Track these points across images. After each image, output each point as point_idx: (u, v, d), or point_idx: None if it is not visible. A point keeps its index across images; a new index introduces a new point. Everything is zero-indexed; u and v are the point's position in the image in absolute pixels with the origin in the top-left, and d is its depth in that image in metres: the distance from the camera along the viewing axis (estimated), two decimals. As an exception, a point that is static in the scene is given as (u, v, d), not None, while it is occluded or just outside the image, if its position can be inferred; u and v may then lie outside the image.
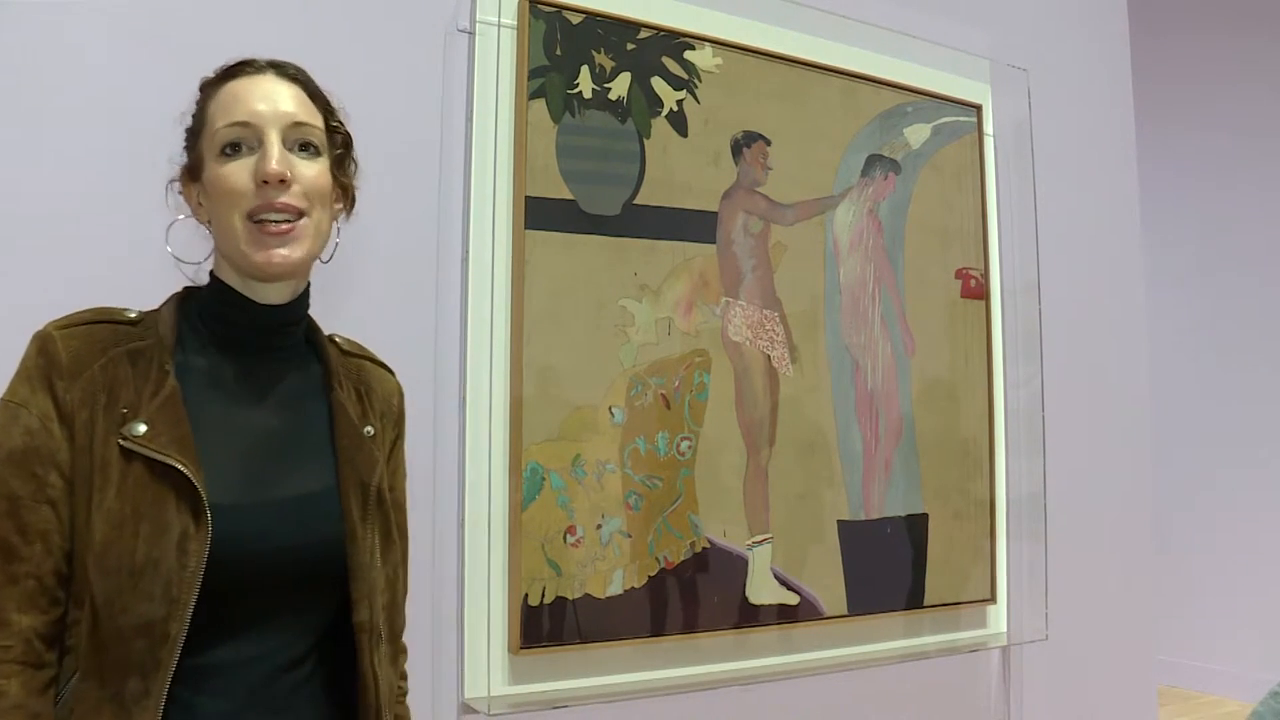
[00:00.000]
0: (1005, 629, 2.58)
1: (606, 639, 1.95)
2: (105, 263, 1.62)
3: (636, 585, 1.99)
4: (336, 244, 1.18)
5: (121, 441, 0.99)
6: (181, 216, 1.14)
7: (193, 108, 1.12)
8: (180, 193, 1.14)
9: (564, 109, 1.99)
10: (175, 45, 1.68)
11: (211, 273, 1.12)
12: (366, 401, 1.20)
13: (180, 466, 0.98)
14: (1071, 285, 2.82)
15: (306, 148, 1.09)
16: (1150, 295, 3.21)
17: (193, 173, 1.11)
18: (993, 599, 2.53)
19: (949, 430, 2.49)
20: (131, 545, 0.96)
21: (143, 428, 0.99)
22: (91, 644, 0.97)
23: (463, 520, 1.86)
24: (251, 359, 1.11)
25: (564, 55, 2.00)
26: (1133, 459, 2.99)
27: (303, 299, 1.15)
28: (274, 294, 1.10)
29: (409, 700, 1.29)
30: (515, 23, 1.96)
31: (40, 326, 1.04)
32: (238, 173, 1.05)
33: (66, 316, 1.05)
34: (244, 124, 1.06)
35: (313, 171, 1.09)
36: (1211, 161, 4.80)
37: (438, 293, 1.89)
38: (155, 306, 1.11)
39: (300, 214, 1.07)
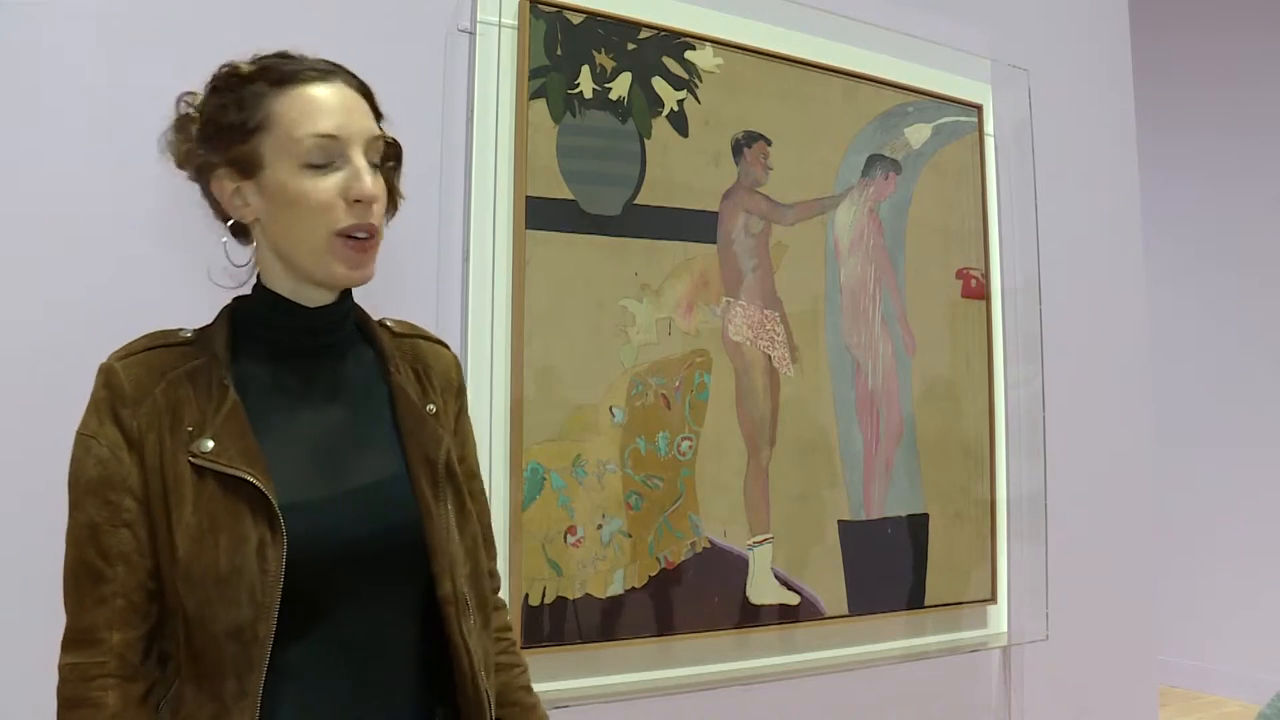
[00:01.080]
0: (1006, 629, 2.58)
1: (607, 639, 1.95)
2: (107, 264, 1.62)
3: (637, 585, 1.99)
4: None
5: (191, 459, 1.02)
6: (226, 234, 1.12)
7: (242, 101, 1.07)
8: (215, 187, 1.10)
9: (565, 109, 1.99)
10: (175, 46, 1.68)
11: (259, 282, 1.12)
12: (426, 380, 1.21)
13: (250, 478, 1.02)
14: (1072, 285, 2.82)
15: (379, 164, 1.11)
16: (1151, 295, 3.21)
17: (243, 169, 1.07)
18: (993, 599, 2.53)
19: (950, 430, 2.49)
20: (214, 557, 1.00)
21: (210, 444, 1.03)
22: (188, 651, 1.02)
23: (463, 520, 1.85)
24: (306, 360, 1.13)
25: (565, 55, 2.00)
26: (1133, 459, 2.99)
27: (346, 296, 1.16)
28: (322, 296, 1.12)
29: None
30: (516, 23, 1.96)
31: (105, 359, 1.07)
32: (326, 190, 1.05)
33: (126, 346, 1.08)
34: (333, 137, 1.05)
35: (381, 187, 1.10)
36: (1212, 161, 4.80)
37: (438, 292, 1.89)
38: (208, 322, 1.12)
39: (376, 232, 1.09)
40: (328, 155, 1.05)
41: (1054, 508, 2.63)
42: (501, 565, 1.87)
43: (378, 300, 1.83)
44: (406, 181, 1.85)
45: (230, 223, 1.11)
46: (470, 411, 1.85)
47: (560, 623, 1.91)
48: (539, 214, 1.94)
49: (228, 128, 1.07)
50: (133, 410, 1.04)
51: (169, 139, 1.12)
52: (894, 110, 2.46)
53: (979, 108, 2.62)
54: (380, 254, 1.81)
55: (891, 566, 2.37)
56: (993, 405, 2.57)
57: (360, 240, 1.07)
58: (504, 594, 1.86)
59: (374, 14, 1.88)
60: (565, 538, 1.92)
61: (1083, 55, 3.01)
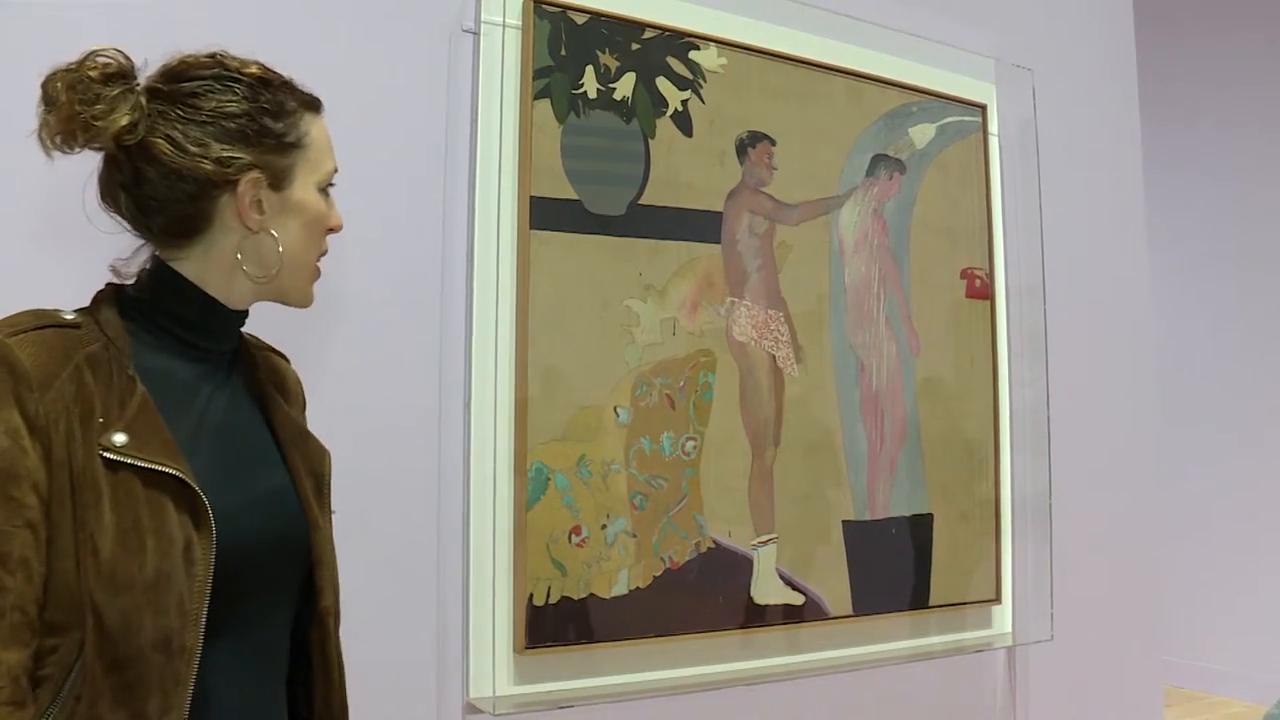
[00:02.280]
0: (1010, 629, 2.57)
1: (612, 639, 1.95)
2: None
3: (642, 585, 1.99)
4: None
5: (104, 454, 0.93)
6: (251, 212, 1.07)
7: (281, 111, 1.08)
8: (248, 185, 1.05)
9: (569, 109, 1.99)
10: (181, 46, 1.68)
11: (175, 273, 1.06)
12: (283, 393, 1.20)
13: (175, 471, 0.95)
14: (1077, 285, 2.81)
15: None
16: (1155, 294, 3.20)
17: (276, 182, 1.07)
18: (998, 599, 2.53)
19: (954, 430, 2.49)
20: (140, 560, 0.92)
21: (123, 437, 0.94)
22: (102, 667, 0.91)
23: (468, 520, 1.86)
24: (205, 360, 1.09)
25: (569, 55, 2.00)
26: (1138, 459, 2.98)
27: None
28: (241, 303, 1.11)
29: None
30: (520, 23, 1.96)
31: None
32: (328, 215, 1.13)
33: (8, 321, 0.97)
34: (335, 171, 1.14)
35: None
36: (1217, 159, 4.79)
37: (443, 293, 1.89)
38: (84, 307, 1.05)
39: None
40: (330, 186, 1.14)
41: (1058, 508, 2.62)
42: (505, 565, 1.88)
43: (383, 301, 1.84)
44: (411, 182, 1.87)
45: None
46: (475, 412, 1.88)
47: (564, 623, 1.91)
48: (543, 214, 1.94)
49: (270, 134, 1.06)
50: (39, 395, 0.92)
51: (177, 103, 1.04)
52: (898, 110, 2.46)
53: (983, 107, 2.62)
54: (385, 254, 1.83)
55: (896, 567, 2.37)
56: (997, 405, 2.57)
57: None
58: (506, 595, 1.87)
59: (378, 14, 1.88)
60: (570, 538, 1.92)
61: (1087, 55, 3.01)
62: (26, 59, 1.59)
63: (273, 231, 1.07)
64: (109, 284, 1.08)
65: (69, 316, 1.01)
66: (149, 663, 0.92)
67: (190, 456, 0.99)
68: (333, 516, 1.19)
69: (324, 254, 1.14)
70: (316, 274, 1.14)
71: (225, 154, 1.03)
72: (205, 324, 1.08)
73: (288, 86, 1.11)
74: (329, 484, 1.18)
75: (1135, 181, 3.08)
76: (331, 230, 1.13)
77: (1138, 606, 2.93)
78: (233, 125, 1.04)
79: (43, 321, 0.98)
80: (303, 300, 1.14)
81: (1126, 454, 2.95)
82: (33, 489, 0.91)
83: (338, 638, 1.13)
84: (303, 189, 1.09)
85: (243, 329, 1.16)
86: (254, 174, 1.05)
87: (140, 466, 0.94)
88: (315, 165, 1.11)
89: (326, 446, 1.19)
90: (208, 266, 1.06)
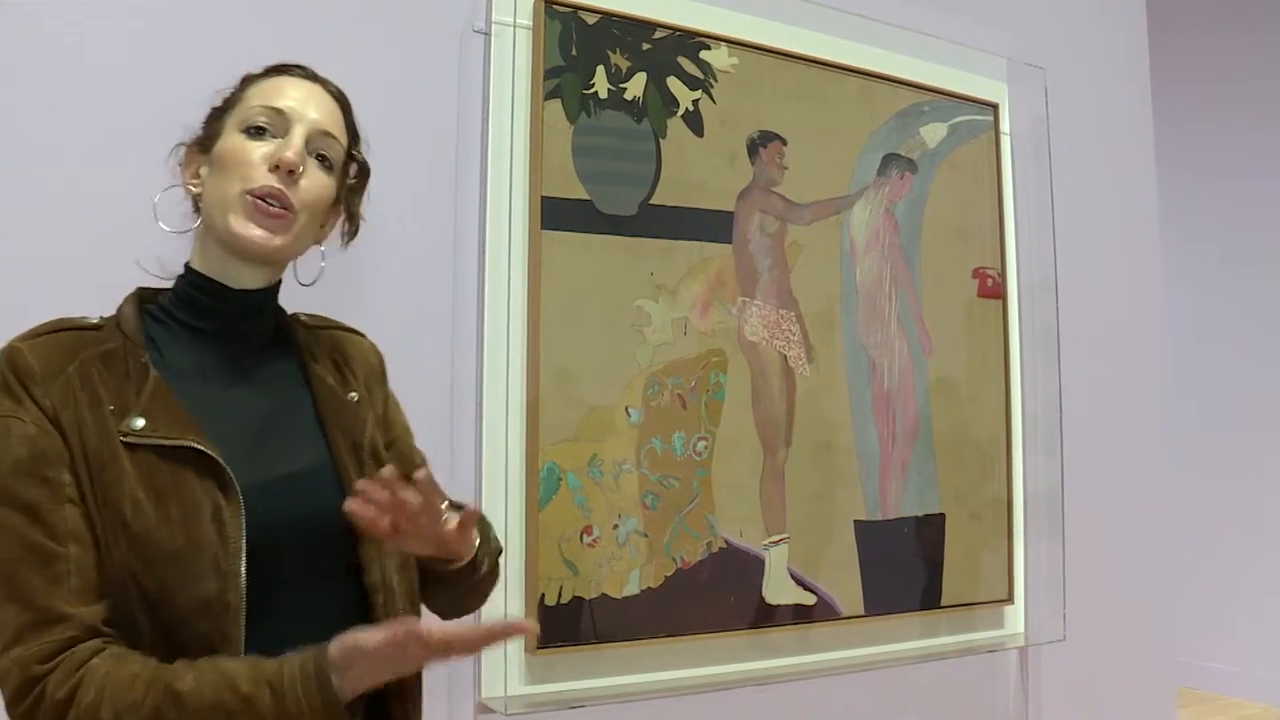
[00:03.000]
0: (1023, 629, 2.57)
1: (623, 639, 1.95)
2: (111, 266, 1.63)
3: (653, 585, 1.99)
4: (322, 267, 1.21)
5: (124, 439, 0.98)
6: (168, 186, 1.15)
7: (227, 91, 1.15)
8: (180, 162, 1.15)
9: (580, 109, 1.99)
10: (190, 46, 1.69)
11: (187, 264, 1.12)
12: (346, 368, 1.22)
13: (194, 444, 0.99)
14: (1089, 284, 2.80)
15: (323, 159, 1.12)
16: (1169, 293, 3.19)
17: (204, 145, 1.13)
18: (1010, 599, 2.52)
19: (966, 430, 2.49)
20: (168, 531, 0.96)
21: (141, 421, 0.99)
22: (158, 632, 0.96)
23: (480, 520, 1.86)
24: (226, 348, 1.11)
25: (580, 55, 2.00)
26: (1151, 458, 2.97)
27: (274, 290, 1.16)
28: (248, 279, 1.11)
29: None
30: (531, 23, 1.96)
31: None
32: (255, 150, 1.08)
33: (29, 330, 1.04)
34: (278, 110, 1.09)
35: (319, 182, 1.11)
36: (1230, 159, 4.77)
37: (454, 293, 1.90)
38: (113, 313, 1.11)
39: (292, 209, 1.08)
40: (269, 125, 1.09)
41: (1071, 507, 2.62)
42: (516, 565, 1.88)
43: (394, 301, 1.84)
44: (422, 182, 1.88)
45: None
46: (487, 412, 1.88)
47: (576, 623, 1.91)
48: (554, 214, 1.95)
49: (209, 113, 1.15)
50: (44, 388, 0.98)
51: None
52: (910, 109, 2.46)
53: (995, 106, 2.61)
54: (396, 254, 1.83)
55: (908, 566, 2.36)
56: (1009, 405, 2.56)
57: (267, 205, 1.06)
58: (518, 595, 1.87)
59: (389, 15, 1.89)
60: (581, 538, 1.92)
61: (1099, 53, 3.00)
62: (49, 59, 1.60)
63: (198, 192, 1.13)
64: (137, 287, 1.13)
65: (93, 320, 1.07)
66: (194, 626, 0.96)
67: (213, 438, 1.02)
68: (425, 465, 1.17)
69: (268, 190, 1.06)
70: (247, 206, 1.06)
71: (181, 148, 1.15)
72: (209, 305, 1.10)
73: (264, 72, 1.15)
74: (370, 454, 1.15)
75: (1148, 180, 3.07)
76: (277, 166, 1.06)
77: (1151, 607, 2.92)
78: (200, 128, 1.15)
79: (59, 326, 1.05)
80: (233, 241, 1.07)
81: (1139, 454, 2.93)
82: (66, 468, 0.97)
83: (388, 613, 1.09)
84: (224, 139, 1.10)
85: (304, 315, 1.23)
86: (183, 149, 1.15)
87: (158, 445, 0.98)
88: (239, 114, 1.10)
89: (365, 418, 1.18)
90: (199, 245, 1.12)
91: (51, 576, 0.93)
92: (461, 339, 1.89)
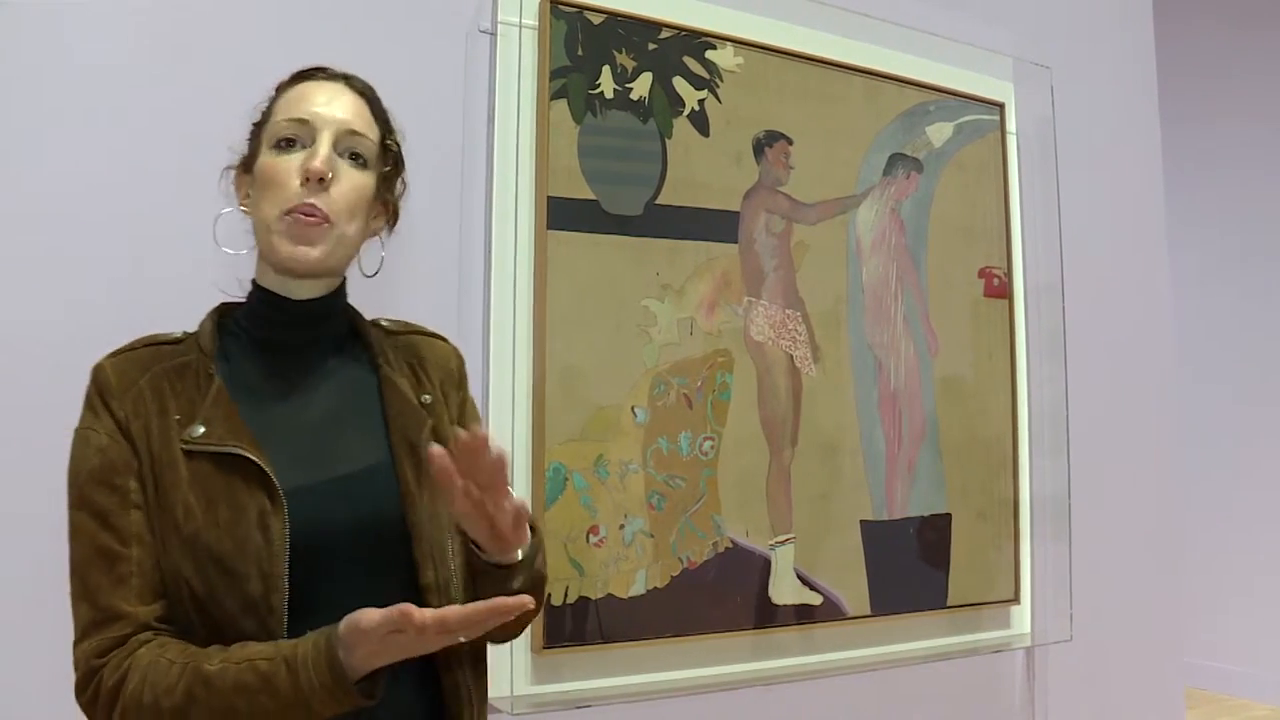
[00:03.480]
0: (1029, 630, 2.56)
1: (629, 639, 1.95)
2: (120, 266, 1.64)
3: (659, 585, 1.99)
4: (382, 257, 1.23)
5: (184, 446, 1.04)
6: (226, 210, 1.18)
7: (262, 105, 1.17)
8: (232, 184, 1.19)
9: (585, 109, 2.00)
10: (202, 50, 1.69)
11: (253, 280, 1.16)
12: (421, 372, 1.23)
13: (242, 451, 1.04)
14: (1096, 284, 2.80)
15: (356, 158, 1.13)
16: (1176, 293, 3.18)
17: (247, 164, 1.15)
18: (1016, 599, 2.52)
19: (972, 430, 2.48)
20: (216, 533, 1.01)
21: (201, 429, 1.05)
22: (207, 630, 1.01)
23: (486, 520, 1.86)
24: (293, 356, 1.15)
25: (585, 56, 2.00)
26: (1158, 458, 2.97)
27: (338, 293, 1.18)
28: (307, 290, 1.14)
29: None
30: (537, 23, 1.96)
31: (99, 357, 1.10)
32: (287, 165, 1.09)
33: (118, 347, 1.11)
34: (301, 121, 1.11)
35: (355, 182, 1.12)
36: (1237, 158, 4.76)
37: (460, 293, 1.90)
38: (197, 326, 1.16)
39: (327, 220, 1.09)
40: (295, 136, 1.11)
41: (1077, 507, 2.61)
42: (524, 565, 1.88)
43: (400, 301, 1.84)
44: (428, 183, 1.87)
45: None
46: (493, 411, 1.88)
47: (582, 623, 1.91)
48: (560, 214, 1.95)
49: (250, 130, 1.17)
50: (119, 400, 1.06)
51: None
52: (916, 109, 2.45)
53: (1001, 106, 2.61)
54: (402, 254, 1.83)
55: (914, 567, 2.36)
56: (1015, 405, 2.56)
57: (303, 218, 1.08)
58: (526, 594, 1.87)
59: (395, 16, 1.89)
60: (587, 538, 1.93)
61: (1106, 52, 2.99)
62: (53, 63, 1.60)
63: (250, 213, 1.15)
64: (221, 302, 1.18)
65: (176, 335, 1.14)
66: (241, 625, 1.00)
67: (270, 444, 1.07)
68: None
69: (302, 206, 1.08)
70: (288, 225, 1.08)
71: (230, 170, 1.19)
72: (272, 317, 1.14)
73: (291, 79, 1.17)
74: (432, 439, 1.13)
75: (1154, 179, 3.06)
76: (308, 177, 1.08)
77: (1158, 607, 2.92)
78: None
79: (142, 342, 1.12)
80: (277, 259, 1.10)
81: (1146, 453, 2.93)
82: (132, 475, 1.04)
83: None
84: (261, 157, 1.12)
85: (385, 320, 1.26)
86: (232, 172, 1.18)
87: (212, 451, 1.04)
88: (271, 128, 1.12)
89: (426, 418, 1.18)
90: (259, 262, 1.15)
91: (116, 577, 1.01)
92: (468, 339, 1.89)
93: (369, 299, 1.79)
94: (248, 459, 1.04)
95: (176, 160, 1.63)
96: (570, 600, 1.89)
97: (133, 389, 1.07)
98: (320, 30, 1.81)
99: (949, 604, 2.40)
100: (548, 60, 1.95)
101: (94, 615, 1.01)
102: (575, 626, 1.90)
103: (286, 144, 1.10)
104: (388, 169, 1.18)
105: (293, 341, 1.15)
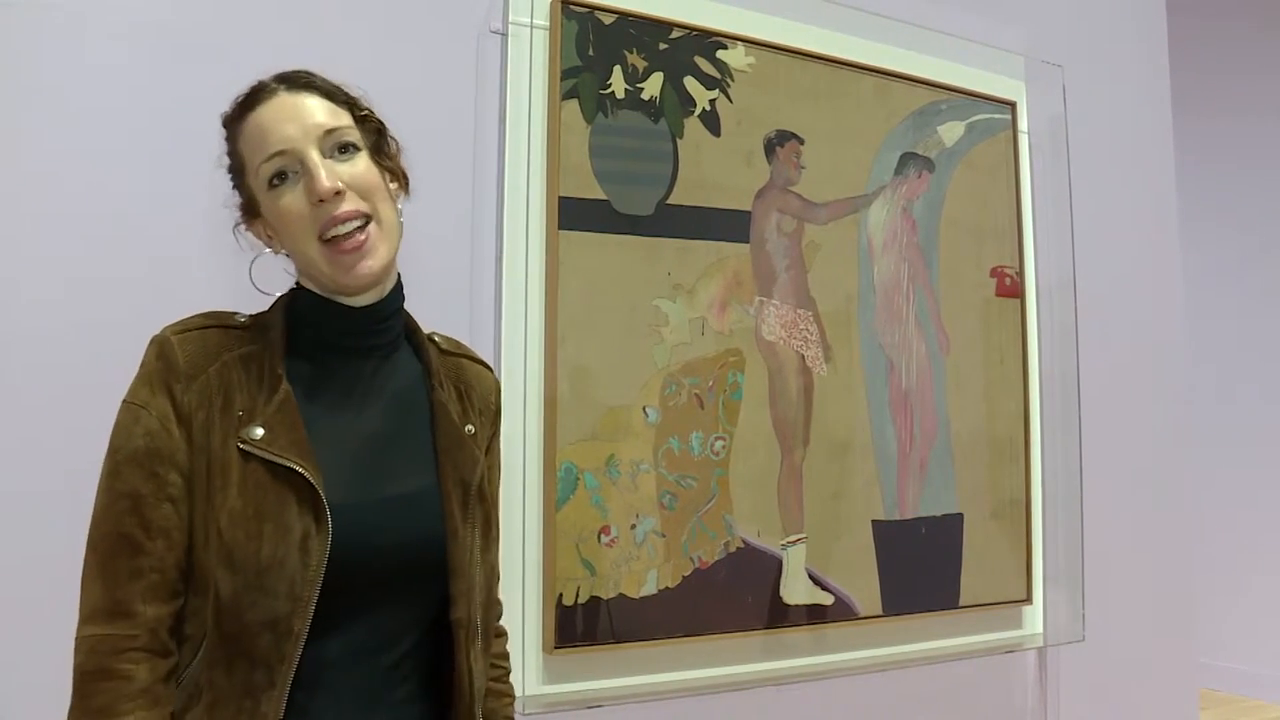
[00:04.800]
0: (1041, 630, 2.55)
1: (641, 639, 1.96)
2: (139, 262, 1.64)
3: (670, 585, 1.99)
4: (401, 223, 1.18)
5: (240, 445, 1.03)
6: (256, 255, 1.16)
7: (224, 146, 1.14)
8: (247, 231, 1.16)
9: (596, 109, 2.00)
10: (215, 52, 1.70)
11: (297, 282, 1.15)
12: (467, 400, 1.23)
13: (300, 469, 1.02)
14: (1108, 283, 2.79)
15: (345, 149, 1.10)
16: (1189, 291, 3.17)
17: (250, 209, 1.13)
18: (1029, 599, 2.51)
19: (984, 429, 2.48)
20: (257, 546, 1.00)
21: (260, 431, 1.03)
22: (219, 636, 1.01)
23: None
24: (354, 360, 1.14)
25: (596, 56, 2.00)
26: (1171, 457, 2.95)
27: (395, 294, 1.17)
28: (363, 297, 1.13)
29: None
30: (548, 24, 1.96)
31: (158, 331, 1.08)
32: (294, 201, 1.07)
33: (181, 321, 1.08)
34: (280, 153, 1.07)
35: (359, 169, 1.10)
36: (1250, 155, 4.73)
37: (472, 293, 1.90)
38: (265, 309, 1.14)
39: (366, 218, 1.08)
40: (284, 169, 1.07)
41: (1090, 507, 2.60)
42: (534, 565, 1.88)
43: (411, 301, 1.84)
44: (440, 183, 1.88)
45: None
46: (505, 411, 1.87)
47: (594, 622, 1.91)
48: (572, 214, 1.95)
49: (230, 178, 1.15)
50: (185, 385, 1.04)
51: None
52: (927, 108, 2.45)
53: (1013, 105, 2.60)
54: (413, 254, 1.83)
55: (926, 566, 2.36)
56: (1027, 404, 2.55)
57: (345, 237, 1.07)
58: (536, 595, 1.88)
59: (406, 17, 1.89)
60: (599, 537, 1.93)
61: (1118, 50, 2.98)
62: (71, 66, 1.61)
63: (283, 250, 1.14)
64: (291, 288, 1.16)
65: (241, 318, 1.12)
66: (257, 639, 1.00)
67: (322, 453, 1.06)
68: (493, 527, 1.21)
69: (331, 220, 1.07)
70: (332, 254, 1.07)
71: (239, 227, 1.17)
72: (331, 322, 1.13)
73: (234, 108, 1.13)
74: (477, 491, 1.16)
75: (1167, 178, 3.05)
76: (321, 200, 1.06)
77: (1171, 607, 2.90)
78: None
79: (210, 322, 1.09)
80: (339, 288, 1.10)
81: (1158, 453, 2.92)
82: (175, 468, 1.02)
83: (471, 651, 1.12)
84: (263, 201, 1.10)
85: (439, 336, 1.27)
86: (242, 227, 1.16)
87: (269, 460, 1.03)
88: (255, 176, 1.09)
89: (479, 455, 1.19)
90: (302, 278, 1.15)
91: (134, 570, 1.00)
92: (479, 339, 1.89)
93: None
94: (303, 476, 1.03)
95: (176, 160, 1.64)
96: (582, 600, 1.90)
97: (201, 376, 1.04)
98: (330, 31, 1.81)
99: (961, 604, 2.39)
100: (559, 60, 1.95)
101: (105, 602, 1.00)
102: (586, 626, 1.90)
103: (279, 180, 1.08)
104: (373, 138, 1.16)
105: (351, 346, 1.14)
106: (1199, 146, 4.45)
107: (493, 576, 1.21)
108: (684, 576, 2.01)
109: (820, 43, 2.30)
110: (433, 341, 1.25)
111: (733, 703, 2.09)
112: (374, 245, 1.09)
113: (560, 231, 1.93)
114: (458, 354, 1.28)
